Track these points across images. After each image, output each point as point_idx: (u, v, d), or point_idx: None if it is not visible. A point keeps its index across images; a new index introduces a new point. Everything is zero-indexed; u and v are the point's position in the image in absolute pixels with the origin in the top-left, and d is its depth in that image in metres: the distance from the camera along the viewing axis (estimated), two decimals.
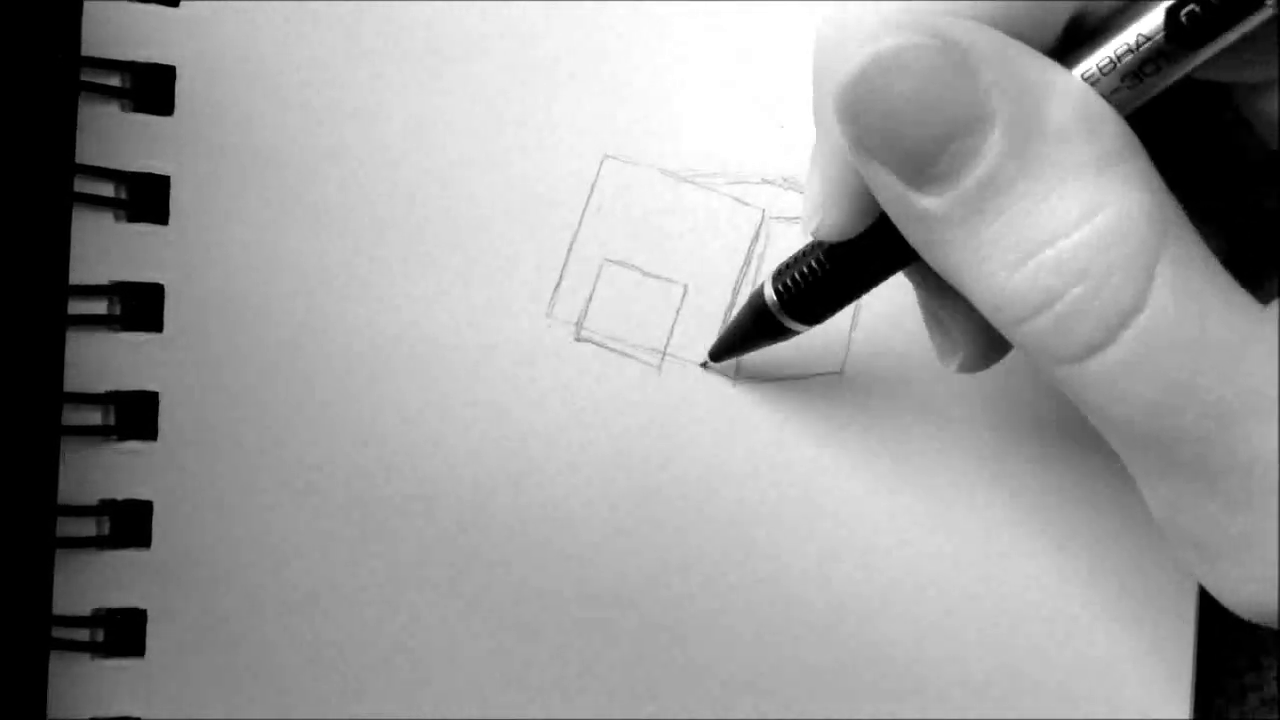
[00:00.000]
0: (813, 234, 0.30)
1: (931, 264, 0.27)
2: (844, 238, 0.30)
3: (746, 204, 0.37)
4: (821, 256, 0.31)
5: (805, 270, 0.32)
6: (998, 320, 0.26)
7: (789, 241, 0.37)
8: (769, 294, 0.33)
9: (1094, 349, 0.25)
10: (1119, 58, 0.26)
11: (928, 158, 0.26)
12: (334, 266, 0.35)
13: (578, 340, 0.36)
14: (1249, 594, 0.26)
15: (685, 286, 0.37)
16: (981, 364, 0.32)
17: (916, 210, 0.26)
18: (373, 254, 0.35)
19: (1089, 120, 0.25)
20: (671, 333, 0.37)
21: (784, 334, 0.34)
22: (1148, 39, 0.26)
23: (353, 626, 0.35)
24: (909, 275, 0.32)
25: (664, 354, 0.37)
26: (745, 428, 0.37)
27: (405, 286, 0.36)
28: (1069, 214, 0.25)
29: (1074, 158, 0.25)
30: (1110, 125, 0.26)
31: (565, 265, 0.36)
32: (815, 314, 0.33)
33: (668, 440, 0.36)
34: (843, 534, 0.37)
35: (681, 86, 0.37)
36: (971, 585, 0.37)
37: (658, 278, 0.37)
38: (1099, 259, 0.25)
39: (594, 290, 0.36)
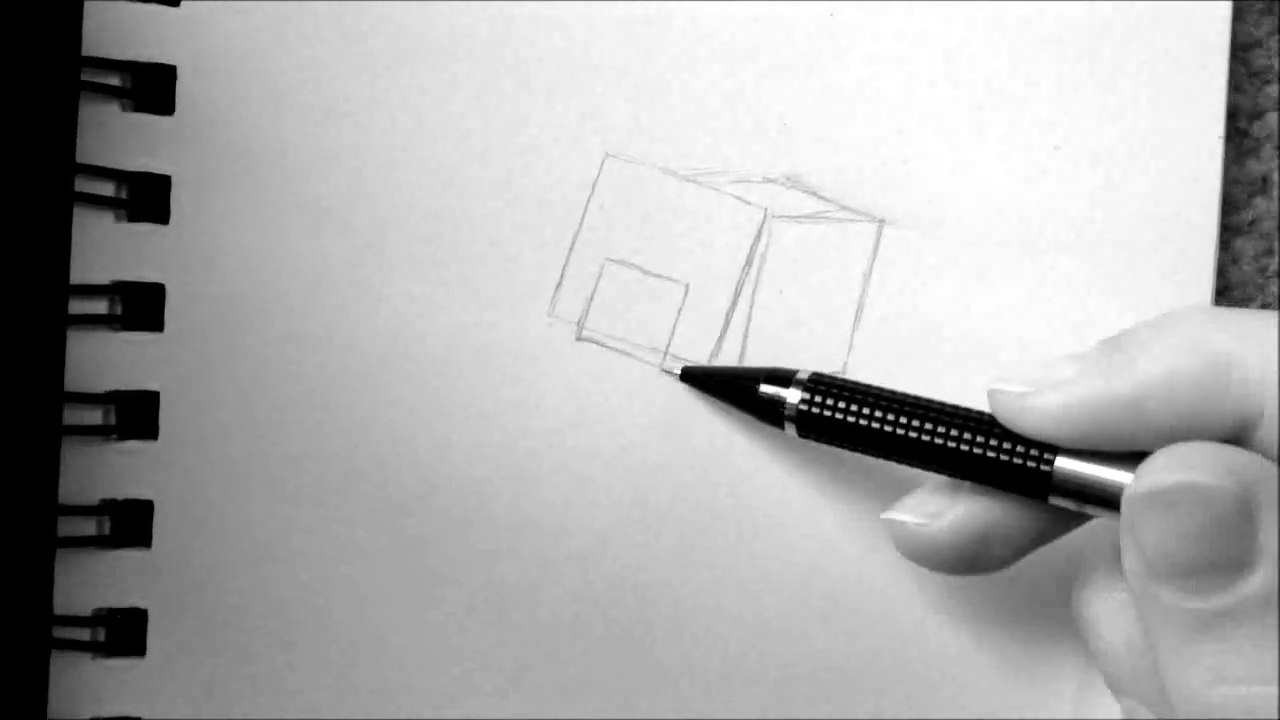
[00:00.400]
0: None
1: (1145, 633, 0.29)
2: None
3: (748, 203, 0.37)
4: (875, 413, 0.33)
5: (844, 411, 0.33)
6: (1175, 699, 0.29)
7: (791, 240, 0.37)
8: (792, 395, 0.34)
9: None
10: None
11: (1187, 571, 0.28)
12: (335, 266, 0.35)
13: (579, 339, 0.36)
14: None
15: (687, 285, 0.37)
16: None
17: (1151, 594, 0.28)
18: (373, 254, 0.35)
19: None
20: (673, 332, 0.37)
21: (769, 420, 0.35)
22: None
23: (352, 626, 0.35)
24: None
25: (665, 353, 0.36)
26: (747, 427, 0.36)
27: (406, 286, 0.36)
28: (1272, 668, 0.27)
29: None
30: None
31: (566, 264, 0.36)
32: (816, 434, 0.34)
33: (669, 439, 0.36)
34: (844, 533, 0.37)
35: (683, 85, 0.37)
36: (971, 586, 0.37)
37: (659, 277, 0.37)
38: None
39: (595, 289, 0.36)
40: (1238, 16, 0.39)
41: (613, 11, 0.36)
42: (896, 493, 0.34)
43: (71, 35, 0.33)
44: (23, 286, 0.33)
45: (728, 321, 0.37)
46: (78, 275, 0.34)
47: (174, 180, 0.35)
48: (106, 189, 0.34)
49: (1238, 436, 0.29)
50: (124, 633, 0.34)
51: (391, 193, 0.36)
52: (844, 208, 0.37)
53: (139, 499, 0.34)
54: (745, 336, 0.37)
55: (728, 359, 0.37)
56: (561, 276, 0.36)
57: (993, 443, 0.31)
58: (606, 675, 0.36)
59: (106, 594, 0.34)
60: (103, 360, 0.34)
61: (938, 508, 0.33)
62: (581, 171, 0.36)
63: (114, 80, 0.34)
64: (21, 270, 0.33)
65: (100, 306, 0.34)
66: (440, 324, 0.36)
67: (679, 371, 0.36)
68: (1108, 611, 0.32)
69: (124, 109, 0.34)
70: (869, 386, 0.33)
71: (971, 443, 0.32)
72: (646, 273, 0.37)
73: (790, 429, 0.34)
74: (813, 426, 0.34)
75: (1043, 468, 0.31)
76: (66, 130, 0.33)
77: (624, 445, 0.36)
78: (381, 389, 0.35)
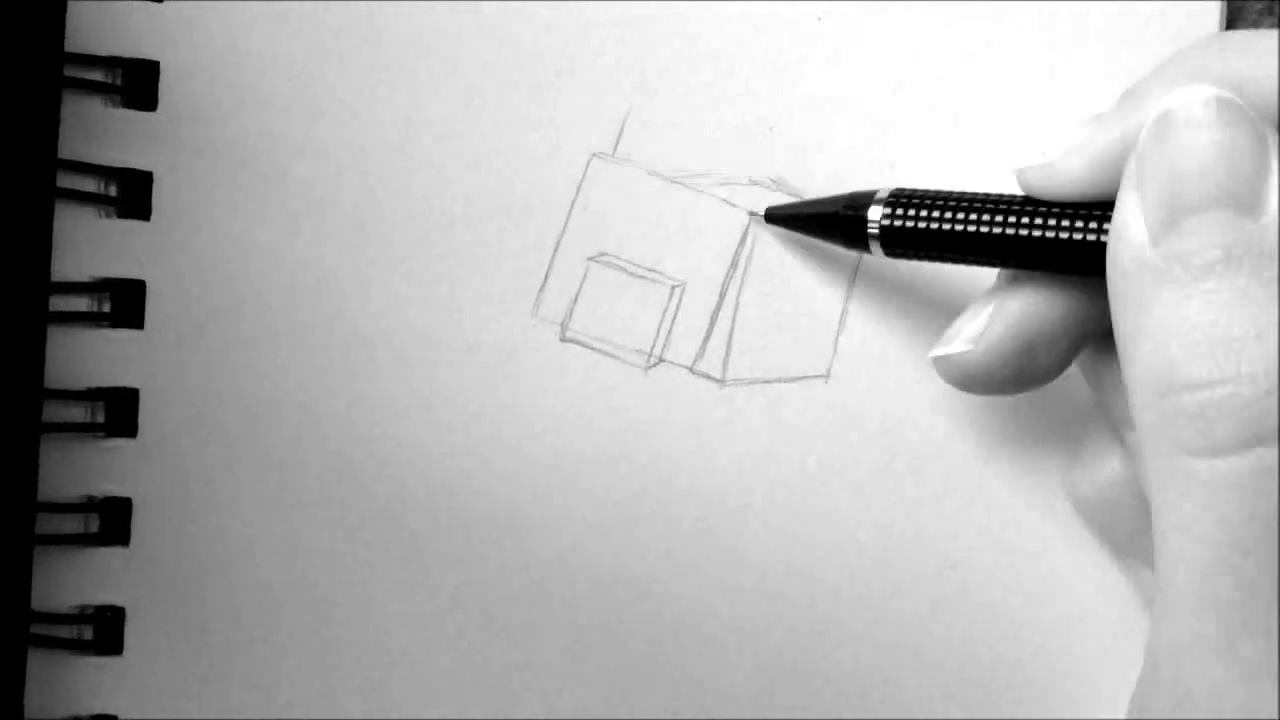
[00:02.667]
0: (1031, 173, 0.31)
1: (1112, 296, 0.27)
2: (1062, 188, 0.30)
3: (734, 205, 0.37)
4: (955, 215, 0.32)
5: (930, 216, 0.32)
6: (1142, 385, 0.26)
7: (777, 244, 0.37)
8: (876, 212, 0.33)
9: (1218, 451, 0.25)
10: None
11: (1186, 206, 0.26)
12: (317, 264, 0.35)
13: (563, 340, 0.36)
14: None
15: (672, 287, 0.36)
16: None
17: (1137, 246, 0.27)
18: (357, 252, 0.35)
19: None
20: (658, 333, 0.36)
21: (854, 245, 0.34)
22: None
23: (331, 624, 0.35)
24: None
25: (650, 355, 0.36)
26: (731, 430, 0.36)
27: (389, 285, 0.35)
28: (1269, 324, 0.25)
29: None
30: None
31: (551, 265, 0.36)
32: (907, 252, 0.33)
33: (653, 441, 0.36)
34: (827, 537, 0.37)
35: (669, 87, 0.36)
36: (955, 589, 0.37)
37: (644, 278, 0.36)
38: (1271, 377, 0.25)
39: (580, 290, 0.36)
40: (1237, 16, 0.39)
41: (600, 13, 0.36)
42: (893, 491, 0.34)
43: (55, 30, 0.33)
44: (4, 282, 0.33)
45: (713, 323, 0.36)
46: (59, 271, 0.34)
47: (156, 176, 0.35)
48: (89, 185, 0.34)
49: None
50: (102, 630, 0.34)
51: (375, 191, 0.35)
52: None
53: (118, 496, 0.34)
54: (730, 339, 0.37)
55: (712, 361, 0.36)
56: (546, 277, 0.36)
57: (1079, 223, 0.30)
58: (592, 677, 0.36)
59: (85, 591, 0.34)
60: (83, 357, 0.34)
61: (977, 330, 0.32)
62: (567, 172, 0.36)
63: (97, 76, 0.34)
64: (3, 266, 0.33)
65: (82, 303, 0.34)
66: (424, 324, 0.36)
67: (762, 214, 0.36)
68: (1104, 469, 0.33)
69: (107, 105, 0.34)
70: (949, 192, 0.33)
71: (1072, 228, 0.30)
72: (631, 274, 0.36)
73: (876, 248, 0.33)
74: (898, 241, 0.33)
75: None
76: (49, 126, 0.33)
77: (608, 446, 0.36)
78: (364, 388, 0.35)
